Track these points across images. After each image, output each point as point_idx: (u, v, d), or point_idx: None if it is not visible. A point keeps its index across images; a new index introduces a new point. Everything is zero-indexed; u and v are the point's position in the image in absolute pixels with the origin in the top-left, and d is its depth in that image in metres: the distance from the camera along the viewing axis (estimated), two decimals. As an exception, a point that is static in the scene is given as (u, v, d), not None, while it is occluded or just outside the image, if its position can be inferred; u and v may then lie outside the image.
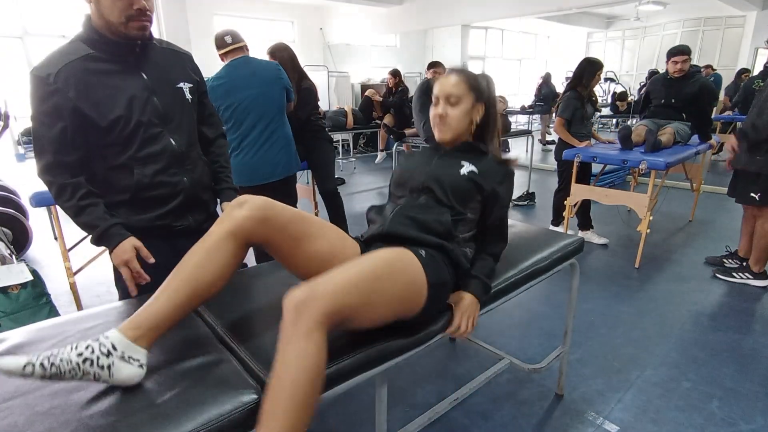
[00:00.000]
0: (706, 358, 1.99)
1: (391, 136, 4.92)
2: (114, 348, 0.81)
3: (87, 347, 0.80)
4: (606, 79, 10.37)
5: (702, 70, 6.49)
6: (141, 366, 0.83)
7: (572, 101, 3.22)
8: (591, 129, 3.44)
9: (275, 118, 2.34)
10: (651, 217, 2.86)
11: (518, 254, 1.46)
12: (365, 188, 5.51)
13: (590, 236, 3.38)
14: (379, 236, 1.16)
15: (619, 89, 8.92)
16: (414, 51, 10.77)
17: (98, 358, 0.79)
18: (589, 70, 3.19)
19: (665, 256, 3.15)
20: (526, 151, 6.38)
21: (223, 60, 2.30)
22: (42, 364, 0.75)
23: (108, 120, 1.15)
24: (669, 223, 3.84)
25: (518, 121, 10.17)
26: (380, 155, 6.06)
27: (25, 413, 0.77)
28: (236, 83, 2.23)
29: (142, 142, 1.21)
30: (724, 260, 2.91)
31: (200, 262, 0.93)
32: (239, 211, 0.97)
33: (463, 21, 7.55)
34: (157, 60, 1.26)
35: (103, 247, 1.22)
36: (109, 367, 0.80)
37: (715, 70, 7.44)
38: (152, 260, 1.19)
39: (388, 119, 5.57)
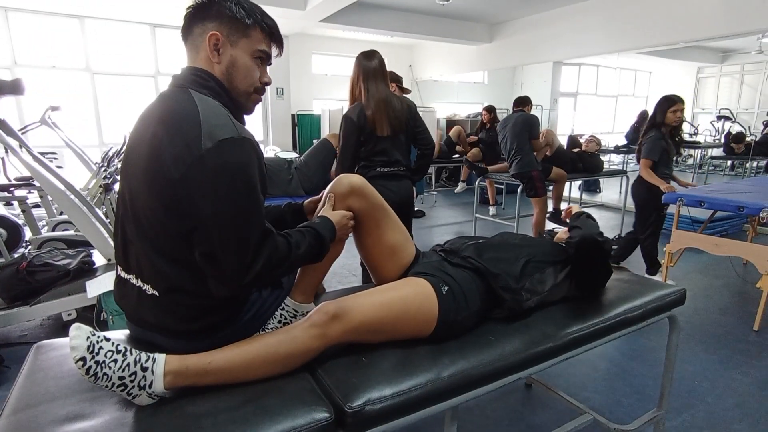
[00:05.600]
0: None
1: (473, 172, 4.88)
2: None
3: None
4: (719, 117, 9.39)
5: None
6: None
7: (658, 142, 3.04)
8: (673, 170, 3.20)
9: None
10: (773, 273, 2.49)
11: (606, 300, 1.36)
12: (444, 222, 5.49)
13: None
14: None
15: (735, 128, 8.02)
16: (502, 87, 10.73)
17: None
18: (661, 107, 3.04)
19: (792, 320, 2.70)
20: (620, 192, 5.94)
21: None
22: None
23: None
24: (798, 282, 3.29)
25: (612, 161, 9.54)
26: (460, 185, 6.10)
27: (123, 406, 0.86)
28: None
29: None
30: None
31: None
32: (347, 179, 1.19)
33: (555, 58, 7.39)
34: None
35: None
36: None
37: None
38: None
39: (471, 154, 5.55)
